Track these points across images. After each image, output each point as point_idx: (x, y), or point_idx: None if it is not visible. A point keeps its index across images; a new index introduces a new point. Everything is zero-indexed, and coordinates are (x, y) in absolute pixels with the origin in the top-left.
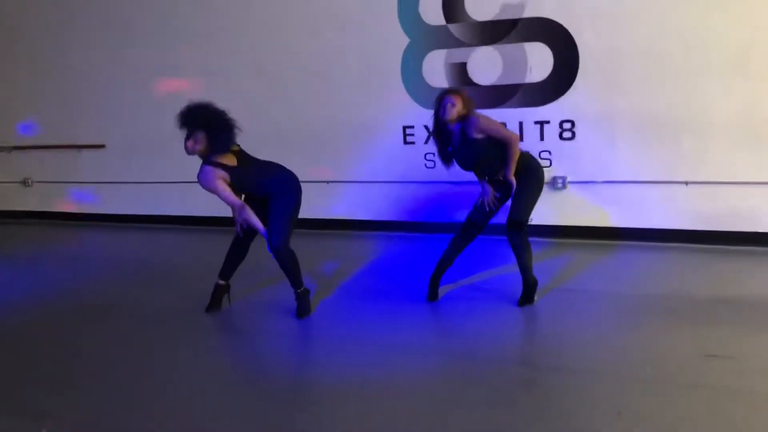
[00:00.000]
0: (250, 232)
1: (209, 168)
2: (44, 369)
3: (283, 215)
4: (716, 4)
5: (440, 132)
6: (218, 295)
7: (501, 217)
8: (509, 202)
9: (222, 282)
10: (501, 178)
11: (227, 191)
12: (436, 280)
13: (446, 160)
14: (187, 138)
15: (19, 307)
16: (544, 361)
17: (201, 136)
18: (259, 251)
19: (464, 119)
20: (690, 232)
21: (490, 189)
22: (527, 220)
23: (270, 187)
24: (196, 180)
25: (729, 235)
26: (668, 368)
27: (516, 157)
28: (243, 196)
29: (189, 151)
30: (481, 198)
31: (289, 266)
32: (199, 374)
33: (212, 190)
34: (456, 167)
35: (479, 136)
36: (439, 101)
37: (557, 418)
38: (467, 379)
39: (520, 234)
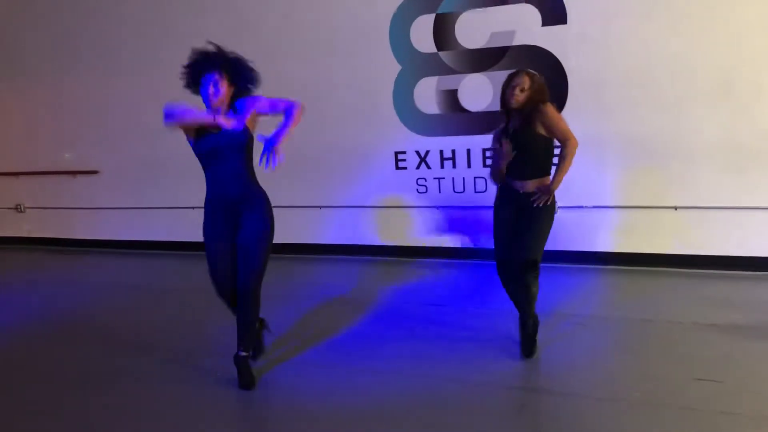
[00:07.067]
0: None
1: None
2: (23, 395)
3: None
4: (700, 31)
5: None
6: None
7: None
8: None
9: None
10: (533, 189)
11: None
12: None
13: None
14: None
15: (2, 332)
16: (534, 385)
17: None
18: None
19: (534, 106)
20: (679, 257)
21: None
22: (540, 259)
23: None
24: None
25: (718, 260)
26: (658, 392)
27: (569, 165)
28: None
29: (214, 101)
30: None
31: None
32: (187, 402)
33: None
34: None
35: (541, 131)
36: (507, 82)
37: None
38: (457, 404)
39: (532, 275)
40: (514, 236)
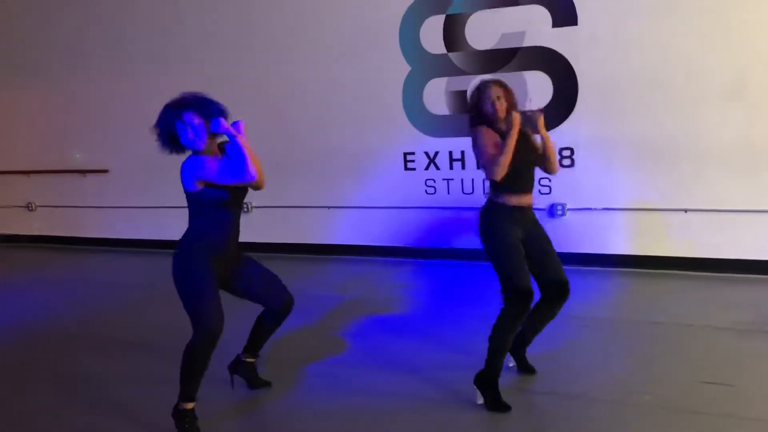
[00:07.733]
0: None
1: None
2: (23, 395)
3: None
4: (713, 32)
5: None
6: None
7: None
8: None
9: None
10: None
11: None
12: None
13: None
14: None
15: (6, 331)
16: (540, 386)
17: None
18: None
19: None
20: (689, 260)
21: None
22: None
23: None
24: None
25: (728, 263)
26: (664, 395)
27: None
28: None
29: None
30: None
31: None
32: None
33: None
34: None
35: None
36: (481, 94)
37: None
38: (463, 405)
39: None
40: (541, 258)
